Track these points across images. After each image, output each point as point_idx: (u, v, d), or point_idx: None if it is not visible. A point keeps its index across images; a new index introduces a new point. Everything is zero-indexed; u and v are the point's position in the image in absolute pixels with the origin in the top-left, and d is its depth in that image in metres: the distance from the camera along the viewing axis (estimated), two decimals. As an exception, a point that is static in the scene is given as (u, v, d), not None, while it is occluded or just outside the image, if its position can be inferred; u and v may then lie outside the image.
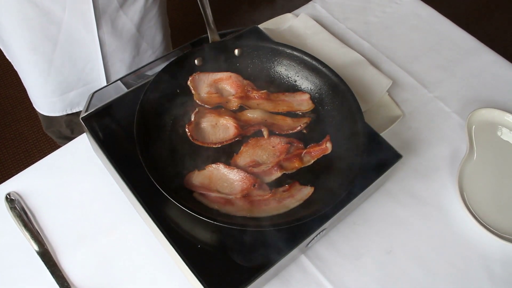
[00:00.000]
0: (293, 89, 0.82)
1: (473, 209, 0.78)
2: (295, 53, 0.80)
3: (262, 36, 0.88)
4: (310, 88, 0.81)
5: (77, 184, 0.77)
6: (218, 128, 0.74)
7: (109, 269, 0.69)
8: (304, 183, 0.69)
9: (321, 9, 1.11)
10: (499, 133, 0.89)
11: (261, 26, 1.00)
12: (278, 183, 0.70)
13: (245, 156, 0.72)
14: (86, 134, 0.76)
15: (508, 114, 0.89)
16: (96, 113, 0.74)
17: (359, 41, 1.04)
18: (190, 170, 0.69)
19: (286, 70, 0.82)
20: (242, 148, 0.72)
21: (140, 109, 0.69)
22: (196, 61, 0.79)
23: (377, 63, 1.00)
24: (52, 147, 1.81)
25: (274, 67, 0.82)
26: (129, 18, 0.96)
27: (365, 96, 0.89)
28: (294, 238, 0.64)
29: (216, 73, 0.80)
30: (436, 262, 0.74)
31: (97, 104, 0.75)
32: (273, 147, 0.73)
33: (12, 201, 0.74)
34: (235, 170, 0.69)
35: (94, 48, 0.96)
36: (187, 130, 0.72)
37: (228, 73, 0.80)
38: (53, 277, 0.67)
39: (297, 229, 0.64)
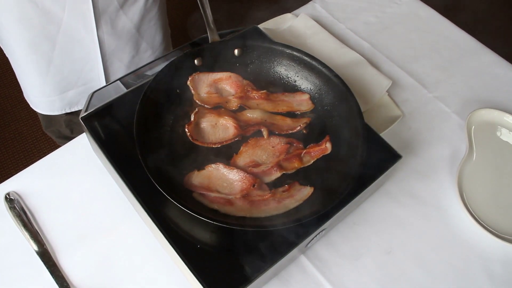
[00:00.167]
0: (293, 89, 0.82)
1: (473, 209, 0.78)
2: (295, 53, 0.80)
3: (262, 36, 0.88)
4: (310, 88, 0.81)
5: (77, 184, 0.77)
6: (218, 128, 0.74)
7: (108, 269, 0.69)
8: (303, 183, 0.69)
9: (321, 9, 1.11)
10: (498, 134, 0.89)
11: (261, 26, 1.00)
12: (277, 183, 0.69)
13: (244, 156, 0.72)
14: (86, 134, 0.76)
15: (507, 115, 0.89)
16: (96, 113, 0.74)
17: (359, 41, 1.04)
18: (190, 170, 0.69)
19: (286, 70, 0.82)
20: (241, 148, 0.72)
21: (140, 109, 0.69)
22: (196, 61, 0.79)
23: (377, 63, 1.00)
24: (52, 147, 1.80)
25: (274, 67, 0.82)
26: (129, 18, 0.96)
27: (365, 96, 0.89)
28: (294, 238, 0.64)
29: (216, 73, 0.80)
30: (436, 262, 0.74)
31: (97, 104, 0.75)
32: (272, 147, 0.73)
33: (11, 201, 0.74)
34: (235, 170, 0.69)
35: (94, 47, 0.96)
36: (186, 130, 0.72)
37: (228, 73, 0.80)
38: (53, 277, 0.67)
39: (296, 229, 0.63)
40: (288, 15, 1.07)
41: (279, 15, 1.06)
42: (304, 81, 0.81)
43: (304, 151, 0.72)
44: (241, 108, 0.78)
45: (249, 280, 0.60)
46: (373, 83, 0.92)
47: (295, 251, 0.65)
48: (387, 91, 0.92)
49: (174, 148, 0.72)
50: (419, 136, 0.89)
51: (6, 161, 1.79)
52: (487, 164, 0.85)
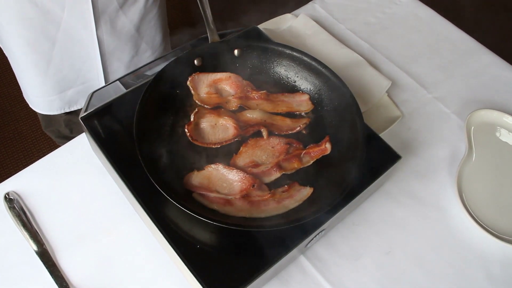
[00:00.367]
0: (293, 89, 0.82)
1: (472, 210, 0.78)
2: (294, 53, 0.80)
3: (261, 36, 0.88)
4: (310, 89, 0.81)
5: (76, 184, 0.77)
6: (218, 129, 0.74)
7: (108, 269, 0.69)
8: (303, 184, 0.69)
9: (321, 10, 1.11)
10: (498, 134, 0.89)
11: (261, 26, 1.00)
12: (277, 183, 0.69)
13: (244, 156, 0.72)
14: (86, 134, 0.76)
15: (507, 115, 0.89)
16: (96, 113, 0.74)
17: (358, 42, 1.04)
18: (190, 170, 0.69)
19: (286, 71, 0.82)
20: (241, 148, 0.72)
21: (139, 109, 0.69)
22: (195, 61, 0.79)
23: (377, 64, 1.00)
24: (51, 146, 1.80)
25: (273, 67, 0.82)
26: (129, 18, 0.96)
27: (364, 97, 0.89)
28: (293, 238, 0.64)
29: (216, 74, 0.80)
30: (435, 262, 0.74)
31: (97, 104, 0.75)
32: (272, 147, 0.73)
33: (11, 201, 0.73)
34: (235, 170, 0.69)
35: (93, 47, 0.96)
36: (186, 130, 0.72)
37: (227, 73, 0.80)
38: (52, 277, 0.67)
39: (296, 229, 0.64)
40: (287, 16, 1.07)
41: (279, 15, 1.06)
42: (303, 81, 0.81)
43: (304, 152, 0.72)
44: (241, 109, 0.78)
45: (249, 280, 0.60)
46: (372, 84, 0.92)
47: (294, 251, 0.65)
48: (386, 91, 0.92)
49: (174, 148, 0.72)
50: (419, 136, 0.89)
51: (5, 161, 1.79)
52: (486, 165, 0.85)
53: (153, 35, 1.05)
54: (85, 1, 0.86)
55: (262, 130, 0.74)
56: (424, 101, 0.95)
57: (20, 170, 0.78)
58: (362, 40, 1.05)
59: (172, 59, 0.76)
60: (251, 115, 0.77)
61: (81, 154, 0.80)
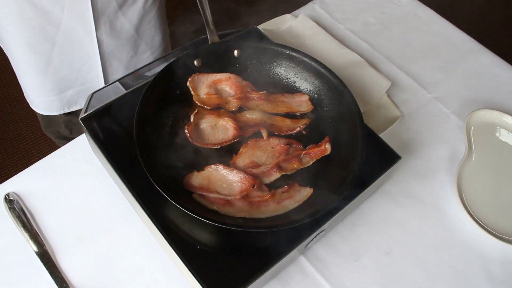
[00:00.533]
0: (292, 90, 0.82)
1: (472, 210, 0.78)
2: (294, 54, 0.80)
3: (261, 37, 0.88)
4: (309, 89, 0.81)
5: (76, 185, 0.77)
6: (218, 129, 0.74)
7: (108, 270, 0.69)
8: (303, 184, 0.69)
9: (320, 10, 1.11)
10: (497, 134, 0.89)
11: (260, 27, 1.00)
12: (277, 184, 0.70)
13: (244, 157, 0.72)
14: (86, 134, 0.76)
15: (506, 115, 0.89)
16: (96, 113, 0.74)
17: (358, 42, 1.05)
18: (189, 171, 0.69)
19: (285, 71, 0.82)
20: (241, 149, 0.72)
21: (139, 109, 0.69)
22: (195, 62, 0.79)
23: (376, 64, 1.00)
24: (51, 147, 1.80)
25: (273, 68, 0.83)
26: (128, 19, 0.96)
27: (364, 97, 0.89)
28: (293, 239, 0.64)
29: (216, 74, 0.80)
30: (435, 262, 0.74)
31: (96, 105, 0.75)
32: (272, 148, 0.73)
33: (11, 202, 0.74)
34: (235, 171, 0.69)
35: (92, 48, 0.96)
36: (186, 131, 0.72)
37: (227, 74, 0.80)
38: (52, 278, 0.67)
39: (296, 230, 0.64)
40: (287, 16, 1.07)
41: (278, 16, 1.06)
42: (303, 82, 0.81)
43: (304, 152, 0.72)
44: (241, 109, 0.78)
45: (249, 281, 0.60)
46: (372, 84, 0.92)
47: (294, 252, 0.65)
48: (386, 91, 0.92)
49: (174, 149, 0.72)
50: (419, 136, 0.89)
51: (5, 161, 1.79)
52: (486, 165, 0.85)
53: (153, 35, 1.05)
54: (85, 2, 0.86)
55: (262, 130, 0.74)
56: (424, 101, 0.95)
57: (20, 171, 0.79)
58: (361, 40, 1.05)
59: (172, 59, 0.76)
60: (251, 116, 0.77)
61: (81, 155, 0.80)
